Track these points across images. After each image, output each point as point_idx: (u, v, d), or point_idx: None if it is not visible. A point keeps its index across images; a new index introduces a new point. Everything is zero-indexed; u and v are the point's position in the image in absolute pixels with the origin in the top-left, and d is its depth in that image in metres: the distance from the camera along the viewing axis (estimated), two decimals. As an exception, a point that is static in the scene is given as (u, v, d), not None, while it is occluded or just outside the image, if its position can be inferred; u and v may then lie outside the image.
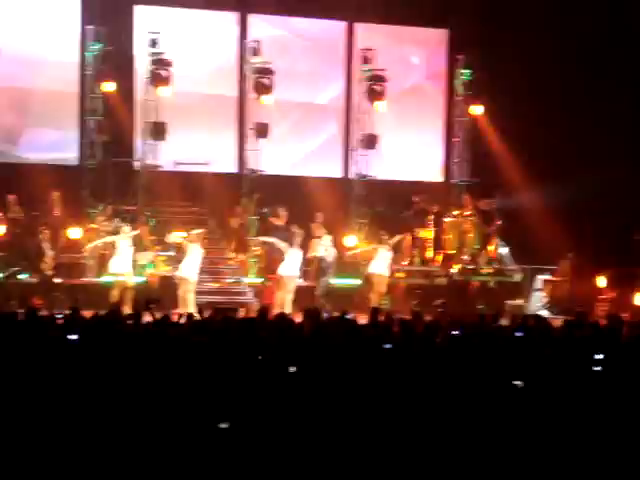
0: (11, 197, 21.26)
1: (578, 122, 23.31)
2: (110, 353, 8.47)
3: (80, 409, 6.56)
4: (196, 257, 19.76)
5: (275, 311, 15.61)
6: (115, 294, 19.26)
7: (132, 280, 19.78)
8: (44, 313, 13.45)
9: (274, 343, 9.87)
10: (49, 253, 20.19)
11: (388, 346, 10.46)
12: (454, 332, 12.00)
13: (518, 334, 12.08)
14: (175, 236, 20.59)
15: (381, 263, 21.06)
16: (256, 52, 23.06)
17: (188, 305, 18.92)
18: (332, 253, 21.24)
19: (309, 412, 7.00)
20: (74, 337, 9.92)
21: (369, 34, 24.39)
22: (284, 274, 20.34)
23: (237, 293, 20.98)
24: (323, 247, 21.14)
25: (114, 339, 9.42)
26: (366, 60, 23.76)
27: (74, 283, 20.40)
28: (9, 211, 21.15)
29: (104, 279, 20.57)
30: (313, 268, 21.23)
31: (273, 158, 23.23)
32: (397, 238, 21.67)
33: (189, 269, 19.64)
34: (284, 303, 19.84)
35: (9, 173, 21.49)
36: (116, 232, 20.27)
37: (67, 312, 12.82)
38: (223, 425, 6.32)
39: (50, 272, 20.01)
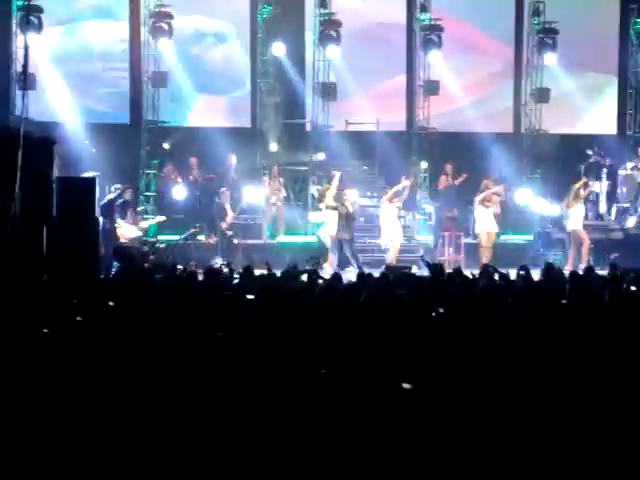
0: (193, 160, 21.92)
1: None
2: (280, 312, 8.67)
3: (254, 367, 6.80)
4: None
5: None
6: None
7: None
8: (223, 273, 13.78)
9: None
10: (230, 214, 20.68)
11: (564, 302, 10.32)
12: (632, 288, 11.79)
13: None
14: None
15: (579, 218, 20.83)
16: (424, 8, 23.07)
17: None
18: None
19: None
20: (251, 297, 10.11)
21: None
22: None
23: (409, 251, 21.06)
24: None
25: (285, 298, 9.61)
26: (537, 12, 23.41)
27: (251, 243, 20.89)
28: (191, 173, 21.82)
29: (279, 240, 21.12)
30: None
31: (442, 115, 23.24)
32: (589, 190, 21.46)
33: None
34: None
35: (186, 137, 22.08)
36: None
37: (242, 272, 13.15)
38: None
39: (229, 233, 20.49)
